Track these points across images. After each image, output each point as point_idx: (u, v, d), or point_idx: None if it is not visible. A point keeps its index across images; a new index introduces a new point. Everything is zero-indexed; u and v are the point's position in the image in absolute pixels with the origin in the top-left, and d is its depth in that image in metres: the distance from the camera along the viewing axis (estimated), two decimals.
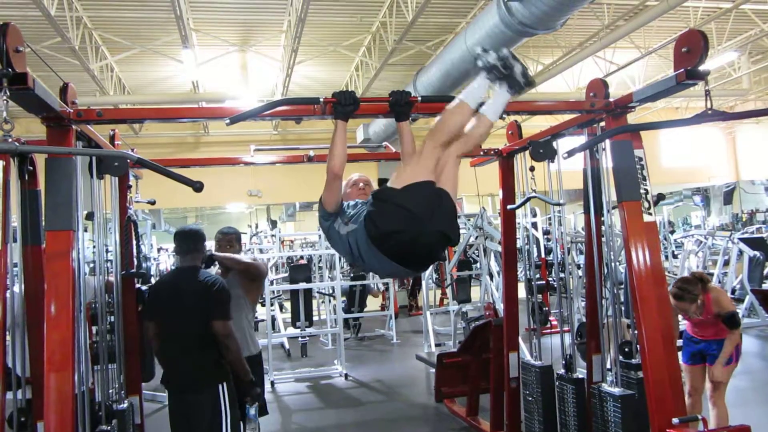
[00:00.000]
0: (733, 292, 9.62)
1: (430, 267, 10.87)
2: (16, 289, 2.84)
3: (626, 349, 3.43)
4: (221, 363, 3.58)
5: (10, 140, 2.34)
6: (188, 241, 3.73)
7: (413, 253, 2.69)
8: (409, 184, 2.62)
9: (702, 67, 2.76)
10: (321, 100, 2.84)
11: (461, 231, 12.28)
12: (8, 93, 2.26)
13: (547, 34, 7.42)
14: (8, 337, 2.65)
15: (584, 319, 4.09)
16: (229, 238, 4.20)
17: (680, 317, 4.66)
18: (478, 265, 9.73)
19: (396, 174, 2.75)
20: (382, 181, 3.00)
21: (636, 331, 3.14)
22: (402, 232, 2.58)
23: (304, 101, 2.93)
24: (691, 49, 2.77)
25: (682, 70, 2.77)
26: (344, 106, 2.77)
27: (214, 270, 4.27)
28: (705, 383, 4.41)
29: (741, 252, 9.47)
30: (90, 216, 3.29)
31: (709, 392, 4.31)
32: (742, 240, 9.61)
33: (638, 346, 3.10)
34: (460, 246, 9.74)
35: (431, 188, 2.64)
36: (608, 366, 3.68)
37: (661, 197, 4.49)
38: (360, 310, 10.69)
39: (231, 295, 3.70)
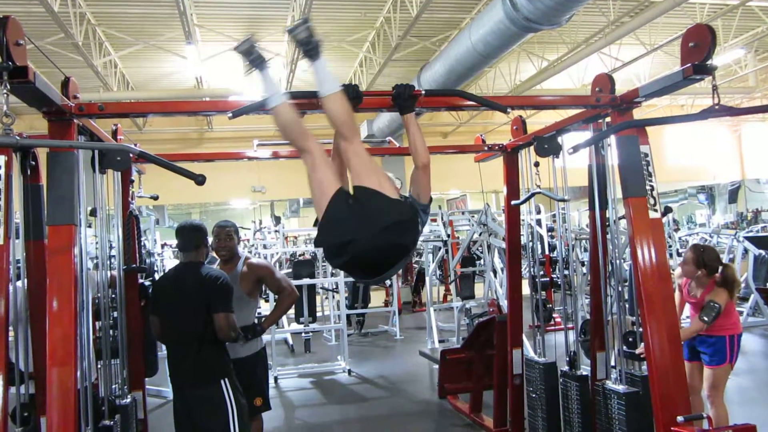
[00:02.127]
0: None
1: (434, 266, 10.86)
2: (19, 284, 2.83)
3: (630, 339, 3.40)
4: (223, 358, 3.57)
5: (11, 134, 2.33)
6: (190, 236, 3.72)
7: (354, 270, 2.67)
8: (323, 212, 2.50)
9: (710, 63, 2.73)
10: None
11: (465, 228, 12.28)
12: (8, 86, 2.25)
13: (552, 30, 7.39)
14: (11, 333, 2.64)
15: (588, 317, 4.07)
16: (228, 231, 4.19)
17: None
18: (481, 261, 9.72)
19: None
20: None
21: (641, 328, 3.12)
22: (331, 259, 2.61)
23: (307, 95, 2.91)
24: (699, 44, 2.74)
25: (690, 65, 2.74)
26: (349, 99, 2.75)
27: (216, 265, 4.26)
28: (702, 381, 4.37)
29: (746, 250, 9.43)
30: (93, 212, 3.28)
31: (707, 392, 4.28)
32: (747, 238, 9.57)
33: (641, 337, 3.08)
34: (464, 242, 9.73)
35: (341, 200, 2.49)
36: (612, 363, 3.66)
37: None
38: (364, 306, 10.68)
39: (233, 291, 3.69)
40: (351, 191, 2.54)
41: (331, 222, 2.48)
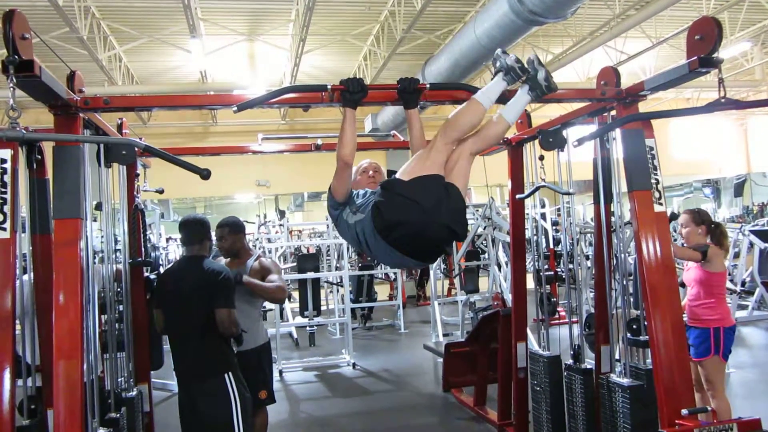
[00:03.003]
0: (743, 284, 9.56)
1: (438, 258, 10.87)
2: (26, 278, 2.85)
3: (634, 326, 3.40)
4: (227, 352, 3.58)
5: (17, 128, 2.34)
6: (193, 230, 3.73)
7: (418, 246, 2.68)
8: (417, 177, 2.61)
9: (716, 55, 2.71)
10: (329, 87, 2.82)
11: (469, 221, 12.28)
12: (15, 80, 2.26)
13: (557, 23, 7.36)
14: (18, 326, 2.66)
15: (593, 310, 4.07)
16: (220, 232, 4.23)
17: None
18: (486, 255, 9.71)
19: (405, 165, 2.74)
20: (390, 173, 2.99)
21: (645, 322, 3.12)
22: (408, 224, 2.57)
23: (311, 88, 2.91)
24: (705, 37, 2.73)
25: (695, 57, 2.72)
26: (352, 93, 2.75)
27: (223, 260, 4.28)
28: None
29: (752, 244, 9.40)
30: (99, 206, 3.29)
31: (705, 386, 4.28)
32: (752, 232, 9.53)
33: (646, 324, 3.08)
34: (468, 236, 9.73)
35: (439, 182, 2.62)
36: (617, 356, 3.66)
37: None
38: (368, 299, 10.71)
39: (238, 288, 3.70)
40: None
41: (427, 187, 2.60)
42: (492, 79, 2.87)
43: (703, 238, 4.39)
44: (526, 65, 2.80)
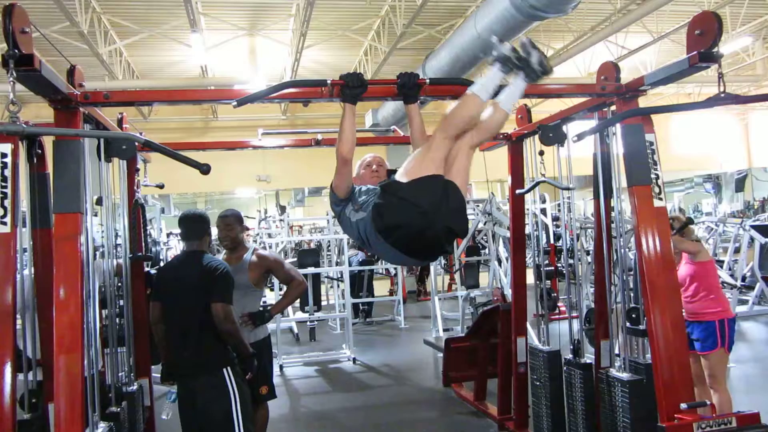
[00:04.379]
0: (743, 279, 9.56)
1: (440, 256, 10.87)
2: (26, 272, 2.85)
3: (633, 315, 3.40)
4: (226, 347, 3.57)
5: (17, 123, 2.34)
6: (193, 226, 3.73)
7: (419, 246, 2.68)
8: (416, 179, 2.59)
9: (716, 50, 2.71)
10: (328, 82, 2.82)
11: (470, 217, 12.28)
12: (15, 74, 2.26)
13: (558, 17, 7.35)
14: (19, 320, 2.66)
15: (593, 305, 4.07)
16: (227, 221, 4.20)
17: None
18: (486, 250, 9.72)
19: (405, 164, 2.73)
20: (390, 172, 2.98)
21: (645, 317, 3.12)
22: (407, 227, 2.57)
23: (311, 83, 2.91)
24: (705, 32, 2.72)
25: (695, 52, 2.72)
26: (352, 88, 2.75)
27: (221, 256, 4.28)
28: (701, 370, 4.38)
29: (752, 239, 9.39)
30: (100, 201, 3.29)
31: (708, 380, 4.29)
32: (753, 227, 9.53)
33: (644, 312, 3.09)
34: (469, 232, 9.73)
35: (438, 182, 2.61)
36: (616, 351, 3.67)
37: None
38: (368, 295, 10.72)
39: (237, 283, 3.70)
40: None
41: (426, 189, 2.58)
42: (489, 70, 2.83)
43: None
44: (521, 52, 2.75)
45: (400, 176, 2.68)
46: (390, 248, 2.65)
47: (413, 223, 2.55)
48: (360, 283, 10.60)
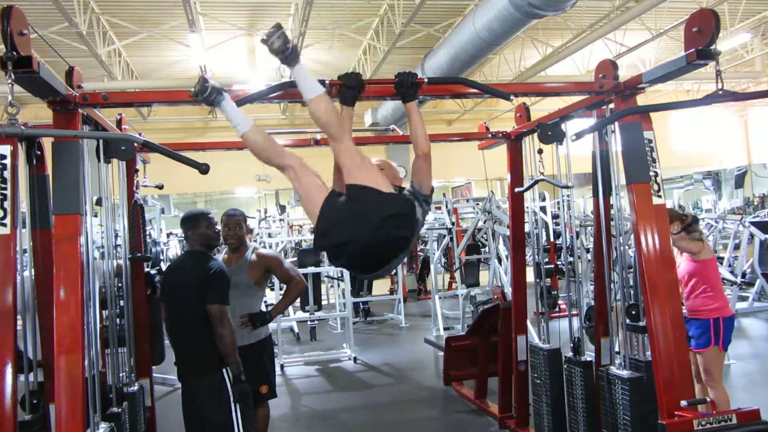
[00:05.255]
0: (743, 275, 9.56)
1: (439, 254, 10.87)
2: (26, 273, 2.86)
3: (633, 313, 3.41)
4: None
5: (16, 124, 2.34)
6: (189, 225, 3.73)
7: (357, 266, 2.73)
8: (320, 213, 2.53)
9: (713, 47, 2.71)
10: (327, 82, 2.82)
11: (470, 216, 12.27)
12: (13, 76, 2.26)
13: (556, 15, 7.35)
14: (20, 321, 2.67)
15: (593, 303, 4.08)
16: (237, 220, 4.21)
17: None
18: (486, 249, 9.72)
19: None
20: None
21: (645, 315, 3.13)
22: (332, 258, 2.63)
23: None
24: (702, 29, 2.72)
25: (693, 49, 2.72)
26: (350, 88, 2.75)
27: (222, 255, 4.28)
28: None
29: (752, 236, 9.40)
30: (99, 202, 3.30)
31: (704, 377, 4.29)
32: (753, 224, 9.53)
33: (644, 308, 3.09)
34: (468, 230, 9.74)
35: (333, 200, 2.53)
36: (616, 349, 3.67)
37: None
38: (368, 294, 10.72)
39: (238, 282, 3.70)
40: (344, 191, 2.56)
41: (327, 224, 2.51)
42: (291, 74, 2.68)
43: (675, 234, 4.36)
44: (270, 46, 2.55)
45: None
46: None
47: (335, 255, 2.59)
48: (360, 283, 10.60)
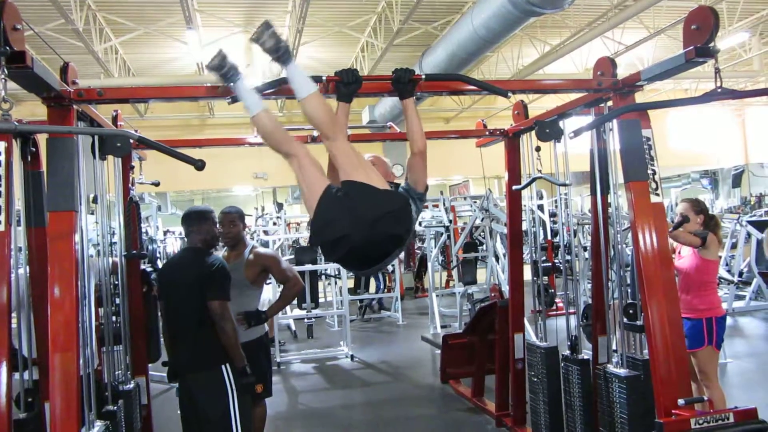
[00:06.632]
0: (740, 275, 9.58)
1: (437, 251, 10.87)
2: (21, 271, 2.84)
3: (630, 311, 3.40)
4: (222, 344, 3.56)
5: (9, 120, 2.32)
6: (193, 221, 3.72)
7: (351, 263, 2.74)
8: (315, 210, 2.53)
9: (712, 45, 2.70)
10: (324, 78, 2.81)
11: (467, 213, 12.27)
12: (6, 72, 2.24)
13: (554, 13, 7.33)
14: (15, 319, 2.65)
15: (590, 301, 4.07)
16: (231, 218, 4.19)
17: None
18: (483, 247, 9.72)
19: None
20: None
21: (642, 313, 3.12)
22: (327, 254, 2.64)
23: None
24: (701, 27, 2.71)
25: (692, 47, 2.72)
26: (347, 84, 2.74)
27: (221, 253, 4.27)
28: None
29: (749, 235, 9.41)
30: (95, 199, 3.28)
31: (699, 376, 4.28)
32: (750, 223, 9.54)
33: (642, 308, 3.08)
34: (466, 228, 9.74)
35: (330, 194, 2.51)
36: (614, 347, 3.67)
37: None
38: (366, 291, 10.72)
39: (234, 280, 3.69)
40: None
41: (323, 220, 2.51)
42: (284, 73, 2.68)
43: (699, 228, 4.39)
44: (260, 45, 2.57)
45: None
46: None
47: (329, 251, 2.61)
48: (357, 280, 10.60)
